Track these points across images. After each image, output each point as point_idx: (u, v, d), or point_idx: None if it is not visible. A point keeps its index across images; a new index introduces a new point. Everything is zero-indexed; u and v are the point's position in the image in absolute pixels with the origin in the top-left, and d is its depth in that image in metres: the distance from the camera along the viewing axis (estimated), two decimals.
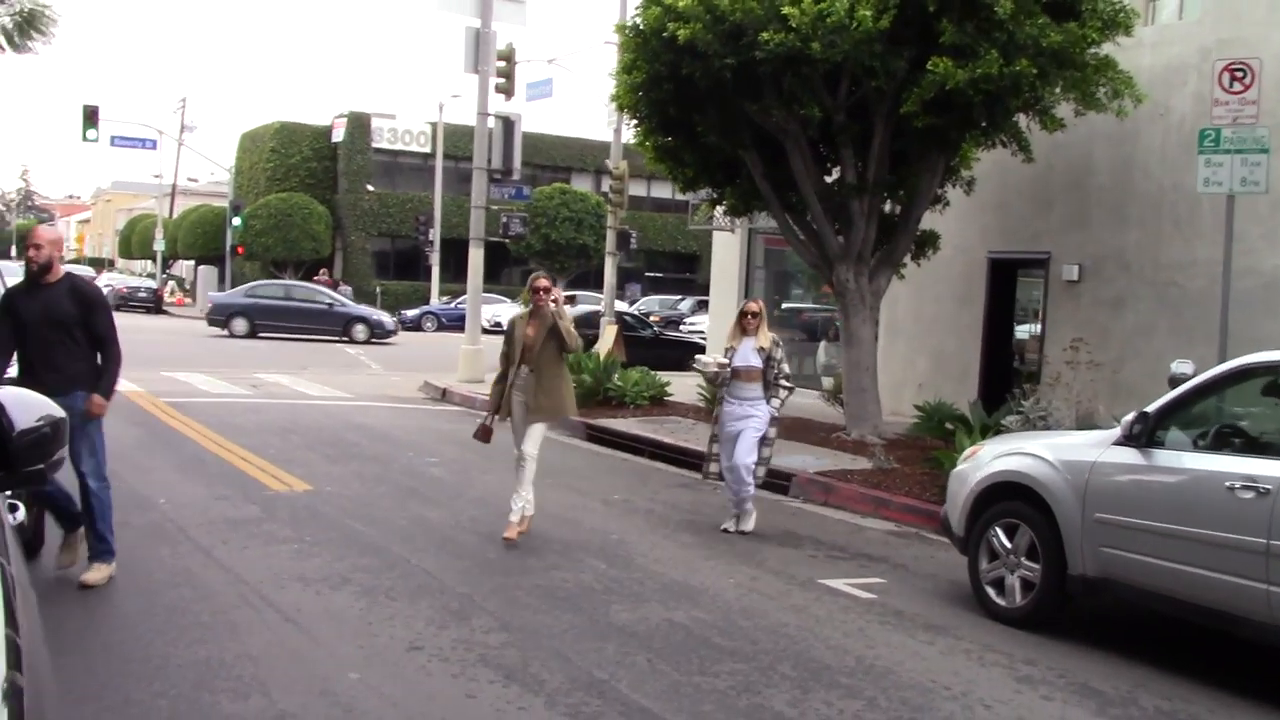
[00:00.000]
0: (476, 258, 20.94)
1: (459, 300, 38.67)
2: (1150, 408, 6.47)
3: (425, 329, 41.32)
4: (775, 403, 9.32)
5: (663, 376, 17.95)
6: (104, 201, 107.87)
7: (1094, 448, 6.74)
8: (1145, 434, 6.37)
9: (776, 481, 11.84)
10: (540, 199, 46.87)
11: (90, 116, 44.08)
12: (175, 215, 63.84)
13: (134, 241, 71.94)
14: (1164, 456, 6.33)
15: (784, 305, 21.98)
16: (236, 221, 48.81)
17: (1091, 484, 6.60)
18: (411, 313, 42.91)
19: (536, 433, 8.58)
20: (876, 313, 14.26)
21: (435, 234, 45.76)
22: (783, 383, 9.37)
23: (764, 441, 9.39)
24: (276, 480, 10.46)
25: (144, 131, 51.28)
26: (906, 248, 14.05)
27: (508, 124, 20.70)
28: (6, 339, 6.78)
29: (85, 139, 44.20)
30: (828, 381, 17.55)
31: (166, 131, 55.05)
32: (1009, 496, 7.13)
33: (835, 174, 14.13)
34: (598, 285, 46.15)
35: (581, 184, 51.93)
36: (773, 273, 22.30)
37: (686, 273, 55.08)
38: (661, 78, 13.18)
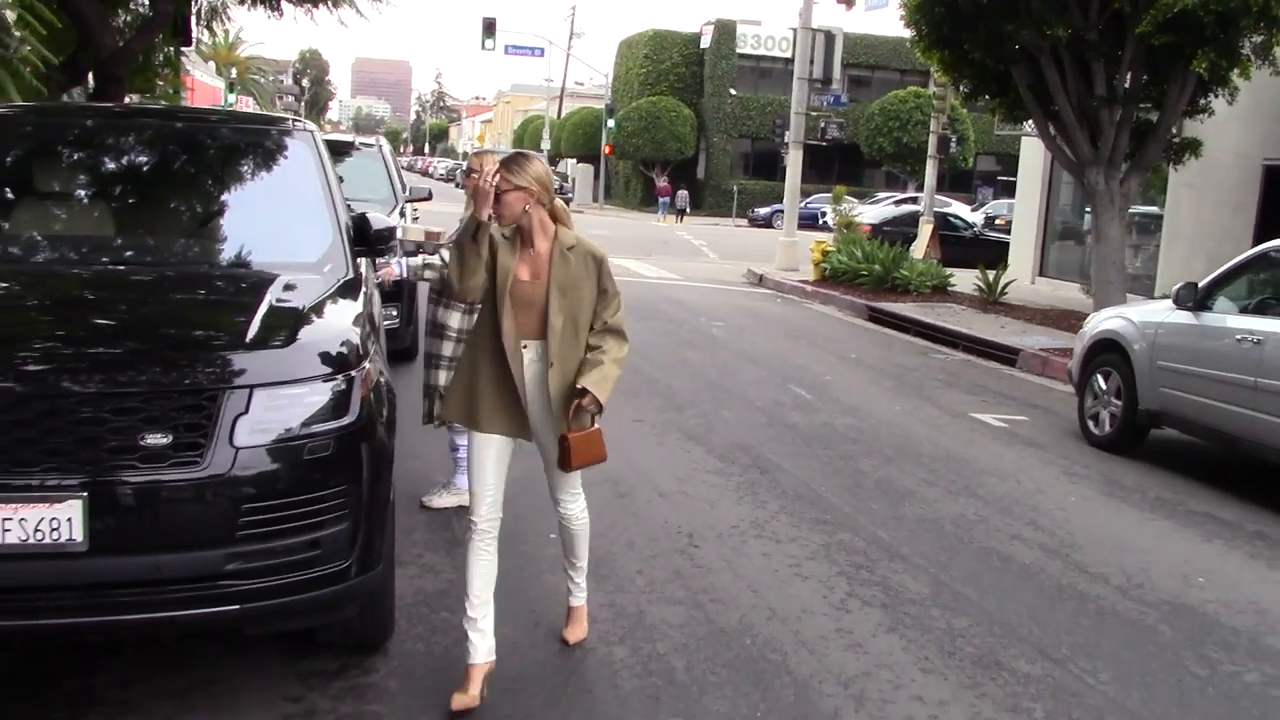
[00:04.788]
0: (795, 159, 23.46)
1: (809, 199, 41.30)
2: (1201, 281, 8.30)
3: (775, 225, 44.12)
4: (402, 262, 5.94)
5: (948, 270, 19.92)
6: (504, 103, 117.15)
7: (1164, 311, 8.61)
8: (1191, 300, 8.22)
9: (1005, 355, 13.87)
10: (894, 102, 48.23)
11: (488, 28, 49.41)
12: (562, 117, 69.63)
13: (526, 140, 78.71)
14: (1206, 317, 8.17)
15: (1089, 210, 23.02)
16: (611, 123, 53.34)
17: (1157, 339, 8.51)
18: (763, 210, 45.89)
19: (573, 482, 4.55)
20: (1125, 214, 15.64)
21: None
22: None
23: None
24: None
25: (534, 40, 56.48)
26: (1157, 154, 15.32)
27: (829, 37, 22.85)
28: None
29: (483, 48, 49.73)
30: None
31: (555, 41, 60.21)
32: (1107, 350, 9.09)
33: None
34: (952, 188, 47.36)
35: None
36: None
37: None
38: (934, 0, 15.13)
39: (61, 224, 5.43)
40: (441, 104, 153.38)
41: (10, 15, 14.48)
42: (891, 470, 7.82)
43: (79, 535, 3.45)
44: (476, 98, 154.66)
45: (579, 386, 4.15)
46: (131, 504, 3.52)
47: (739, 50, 54.33)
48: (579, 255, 4.22)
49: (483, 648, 4.14)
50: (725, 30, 54.30)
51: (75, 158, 5.81)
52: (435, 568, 5.39)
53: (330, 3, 18.81)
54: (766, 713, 4.16)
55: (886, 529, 6.46)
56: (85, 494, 3.45)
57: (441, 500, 6.41)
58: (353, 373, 3.99)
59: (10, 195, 5.56)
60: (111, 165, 5.75)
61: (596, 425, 4.28)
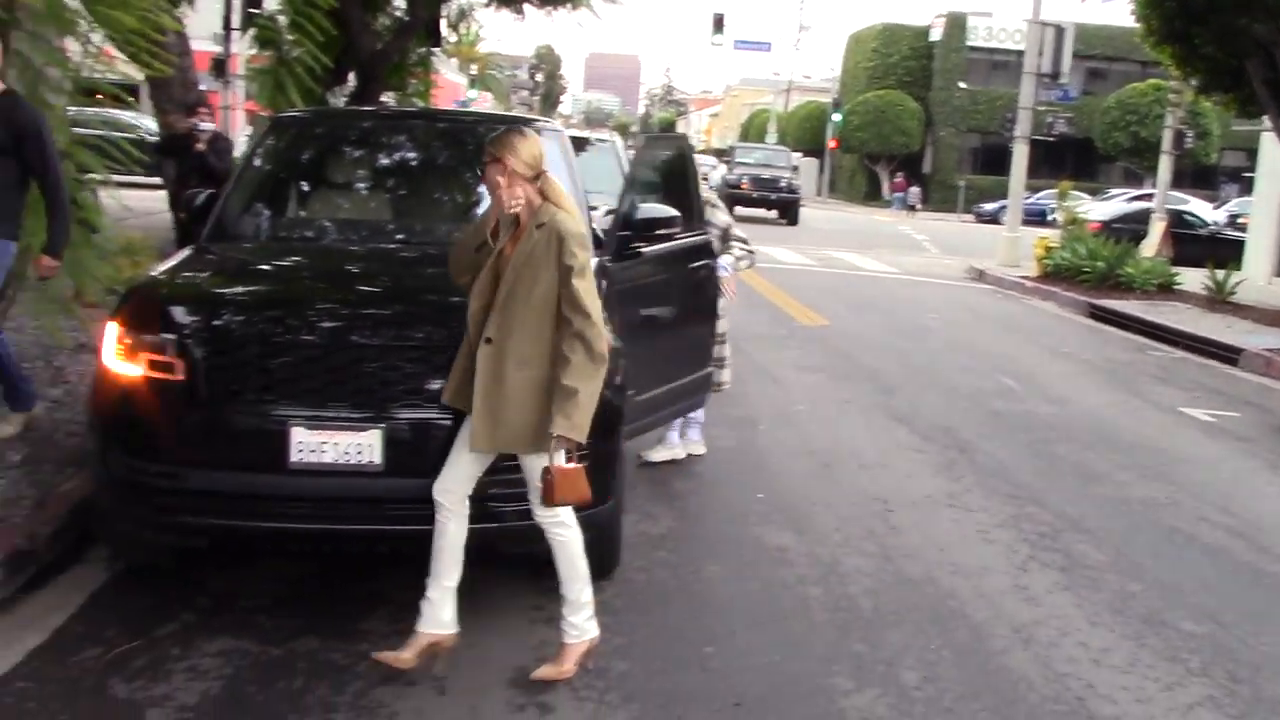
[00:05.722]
0: (1021, 154, 23.41)
1: (1038, 195, 40.55)
2: None
3: (1001, 221, 43.33)
4: None
5: (1179, 269, 19.57)
6: (731, 96, 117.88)
7: None
8: None
9: (1226, 354, 13.72)
10: (1132, 95, 46.72)
11: (718, 23, 50.36)
12: (788, 110, 69.98)
13: (752, 134, 79.32)
14: None
15: None
16: (836, 117, 53.50)
17: None
18: (988, 206, 45.21)
19: (465, 467, 4.21)
20: None
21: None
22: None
23: None
24: (805, 317, 14.19)
25: (762, 35, 57.07)
26: None
27: (1059, 31, 22.65)
28: None
29: (712, 44, 50.74)
30: None
31: (783, 36, 60.59)
32: None
33: None
34: (1194, 184, 45.54)
35: None
36: None
37: None
38: None
39: (351, 211, 6.42)
40: (670, 98, 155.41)
41: (282, 20, 16.02)
42: (1088, 455, 8.16)
43: (378, 458, 4.31)
44: (704, 91, 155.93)
45: (552, 433, 3.94)
46: (418, 435, 4.37)
47: (969, 43, 53.56)
48: (545, 232, 4.04)
49: (430, 618, 4.18)
50: (956, 23, 53.62)
51: (361, 155, 6.82)
52: (655, 515, 6.15)
53: (569, 4, 19.88)
54: (941, 646, 4.72)
55: (1075, 505, 6.86)
56: (383, 425, 4.32)
57: (657, 454, 7.21)
58: None
59: (310, 187, 6.61)
60: (389, 161, 6.73)
61: (577, 465, 4.03)
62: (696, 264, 6.61)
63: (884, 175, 54.61)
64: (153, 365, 4.47)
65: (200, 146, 10.30)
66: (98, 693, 3.94)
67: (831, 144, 55.38)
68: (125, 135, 9.62)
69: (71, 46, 7.73)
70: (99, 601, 4.72)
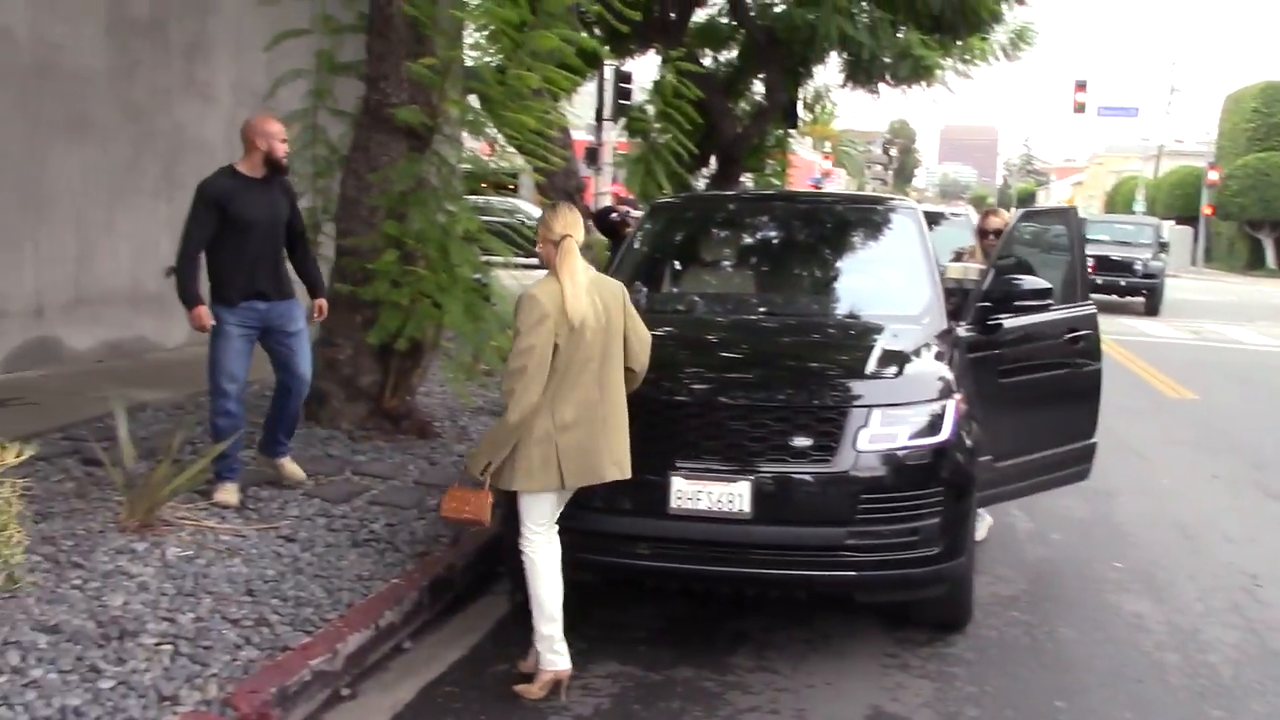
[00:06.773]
0: None
1: None
2: None
3: None
4: None
5: None
6: (1095, 164, 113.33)
7: None
8: None
9: None
10: None
11: (1080, 89, 48.97)
12: (1158, 176, 66.62)
13: (1118, 201, 75.94)
14: None
15: None
16: (1213, 180, 50.52)
17: None
18: None
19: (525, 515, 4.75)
20: None
21: None
22: None
23: None
24: (1172, 390, 13.70)
25: (1128, 100, 54.96)
26: None
27: None
28: (203, 239, 6.07)
29: (1075, 110, 49.37)
30: None
31: (1152, 99, 57.99)
32: None
33: None
34: None
35: None
36: None
37: None
38: None
39: (718, 285, 7.02)
40: (1029, 167, 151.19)
41: (650, 110, 17.20)
42: None
43: (746, 507, 4.78)
44: (1067, 160, 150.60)
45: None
46: (783, 487, 4.81)
47: None
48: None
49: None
50: None
51: (726, 235, 7.45)
52: (1008, 578, 6.30)
53: (924, 80, 20.14)
54: None
55: None
56: (751, 477, 4.79)
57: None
58: (946, 401, 5.07)
59: (682, 265, 7.27)
60: (752, 240, 7.33)
61: (484, 491, 4.57)
62: (1073, 335, 6.67)
63: (1268, 243, 50.95)
64: None
65: (629, 230, 11.42)
66: (509, 699, 4.58)
67: (1207, 211, 52.26)
68: (510, 220, 10.82)
69: (469, 143, 8.84)
70: (504, 627, 5.43)
